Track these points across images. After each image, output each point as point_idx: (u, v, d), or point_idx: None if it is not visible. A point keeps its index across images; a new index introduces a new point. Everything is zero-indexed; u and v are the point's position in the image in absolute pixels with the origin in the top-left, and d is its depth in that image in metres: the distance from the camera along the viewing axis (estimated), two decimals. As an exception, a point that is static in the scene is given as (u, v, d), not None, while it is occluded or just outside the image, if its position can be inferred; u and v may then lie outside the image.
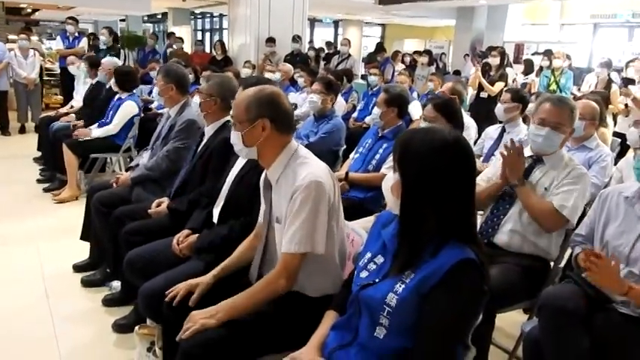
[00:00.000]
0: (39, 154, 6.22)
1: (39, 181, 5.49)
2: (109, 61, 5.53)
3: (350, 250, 2.03)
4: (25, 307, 3.01)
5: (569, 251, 2.44)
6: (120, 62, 5.65)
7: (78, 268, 3.42)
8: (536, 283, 2.38)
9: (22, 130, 8.17)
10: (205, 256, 2.24)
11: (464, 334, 1.40)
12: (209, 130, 2.81)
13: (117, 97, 4.93)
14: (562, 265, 2.54)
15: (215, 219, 2.39)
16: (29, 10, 18.22)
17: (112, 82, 4.92)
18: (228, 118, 2.75)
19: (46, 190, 5.17)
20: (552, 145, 2.42)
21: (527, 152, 2.52)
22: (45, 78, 10.67)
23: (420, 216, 1.39)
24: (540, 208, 2.32)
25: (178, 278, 2.03)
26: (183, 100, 3.33)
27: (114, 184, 3.31)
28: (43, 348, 2.63)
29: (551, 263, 2.46)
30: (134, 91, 5.00)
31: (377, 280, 1.46)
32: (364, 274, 1.52)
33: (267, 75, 6.94)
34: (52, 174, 5.40)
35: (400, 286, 1.39)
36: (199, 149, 2.83)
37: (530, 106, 4.40)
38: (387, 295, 1.39)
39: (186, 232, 2.39)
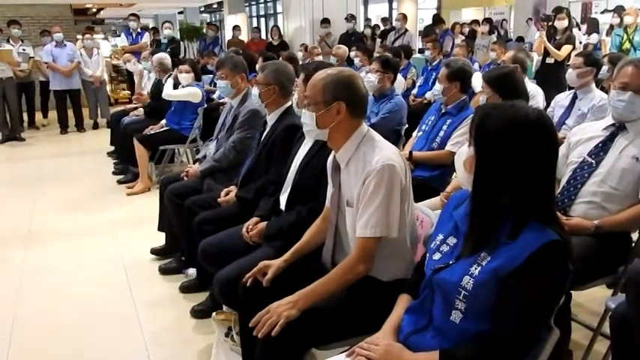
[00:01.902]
0: (112, 148, 6.52)
1: (114, 173, 5.77)
2: (156, 58, 5.67)
3: (420, 232, 2.00)
4: (110, 293, 3.20)
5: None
6: (167, 57, 5.74)
7: (155, 252, 3.59)
8: (618, 257, 2.27)
9: (95, 126, 8.59)
10: (275, 243, 2.28)
11: (547, 315, 1.35)
12: (271, 119, 2.83)
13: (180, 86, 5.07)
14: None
15: (282, 206, 2.42)
16: (94, 10, 19.02)
17: (176, 75, 5.03)
18: (289, 104, 2.76)
19: (120, 182, 5.42)
20: (635, 110, 2.29)
21: (609, 120, 2.41)
22: (112, 74, 11.15)
23: (493, 193, 1.35)
24: (638, 214, 2.21)
25: (250, 265, 2.06)
26: (245, 89, 3.37)
27: (184, 177, 3.41)
28: (129, 331, 2.78)
29: (634, 235, 2.35)
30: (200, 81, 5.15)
31: (450, 262, 1.43)
32: (437, 256, 1.49)
33: (316, 59, 6.89)
34: (125, 167, 5.65)
35: (476, 269, 1.35)
36: (263, 138, 2.86)
37: (604, 69, 4.16)
38: (462, 279, 1.36)
39: (254, 219, 2.44)
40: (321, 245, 2.06)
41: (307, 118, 1.89)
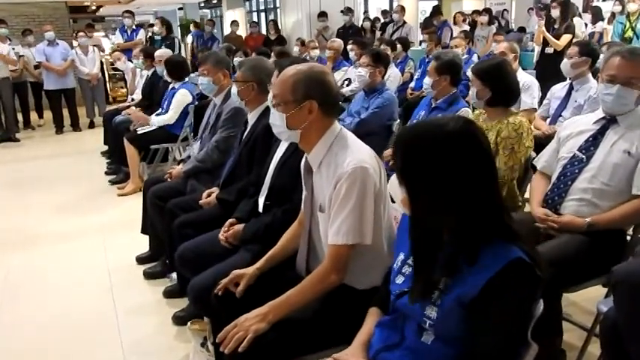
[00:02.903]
0: (106, 148, 6.44)
1: (106, 173, 5.70)
2: (161, 53, 5.58)
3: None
4: (91, 299, 3.12)
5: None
6: (168, 51, 5.66)
7: (140, 260, 3.49)
8: (612, 256, 2.14)
9: (92, 125, 8.51)
10: (252, 247, 2.19)
11: (518, 334, 1.24)
12: (252, 117, 2.74)
13: (170, 86, 4.99)
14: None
15: (260, 208, 2.32)
16: (94, 8, 18.96)
17: (164, 73, 4.96)
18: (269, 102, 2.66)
19: (111, 182, 5.35)
20: (625, 103, 2.17)
21: (600, 113, 2.29)
22: (111, 72, 11.08)
23: (436, 230, 1.24)
24: (631, 211, 2.10)
25: (226, 272, 1.97)
26: (228, 87, 3.27)
27: (168, 178, 3.33)
28: (107, 340, 2.69)
29: (629, 232, 2.24)
30: (186, 79, 5.03)
31: None
32: (399, 279, 1.39)
33: (312, 52, 6.80)
34: (117, 167, 5.57)
35: (438, 296, 1.25)
36: (244, 137, 2.76)
37: (602, 58, 4.03)
38: (425, 308, 1.27)
39: (230, 221, 2.34)
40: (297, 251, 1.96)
41: (277, 119, 1.78)
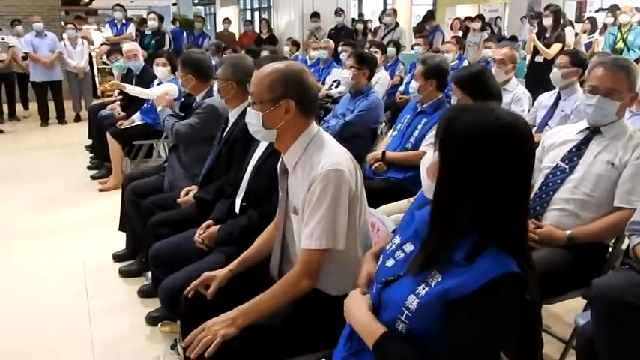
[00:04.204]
0: (90, 142, 6.35)
1: (89, 168, 5.61)
2: (130, 47, 5.48)
3: (375, 241, 1.86)
4: (63, 296, 3.03)
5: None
6: (138, 46, 5.61)
7: (117, 257, 3.43)
8: (592, 269, 2.13)
9: (78, 119, 8.40)
10: (226, 249, 2.14)
11: (493, 350, 1.20)
12: (233, 116, 2.68)
13: (157, 81, 4.89)
14: (623, 246, 2.28)
15: (237, 209, 2.27)
16: (87, 0, 18.80)
17: (158, 70, 4.83)
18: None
19: (93, 177, 5.26)
20: (606, 114, 2.14)
21: (584, 124, 2.27)
22: (100, 66, 10.93)
23: (454, 206, 1.19)
24: (612, 223, 2.08)
25: (198, 273, 1.92)
26: (208, 86, 3.21)
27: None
28: (78, 339, 2.63)
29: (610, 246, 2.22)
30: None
31: (401, 274, 1.29)
32: (390, 262, 1.36)
33: (313, 53, 6.77)
34: (99, 162, 5.49)
35: (424, 289, 1.21)
36: (224, 136, 2.71)
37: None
38: (407, 297, 1.23)
39: (206, 223, 2.29)
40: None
41: (252, 118, 1.73)
